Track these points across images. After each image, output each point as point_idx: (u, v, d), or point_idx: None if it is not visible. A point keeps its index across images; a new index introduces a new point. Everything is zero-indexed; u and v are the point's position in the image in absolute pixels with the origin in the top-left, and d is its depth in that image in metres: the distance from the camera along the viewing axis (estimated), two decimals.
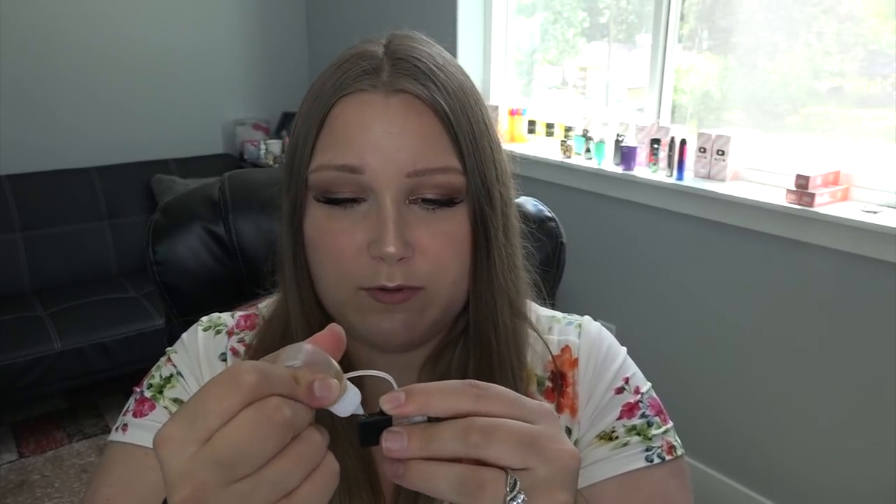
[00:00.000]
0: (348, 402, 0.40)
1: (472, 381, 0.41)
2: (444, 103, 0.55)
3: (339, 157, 0.55)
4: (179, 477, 0.34)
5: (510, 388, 0.43)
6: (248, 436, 0.34)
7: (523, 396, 0.42)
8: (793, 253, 1.82)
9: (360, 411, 0.40)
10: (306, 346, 0.40)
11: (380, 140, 0.54)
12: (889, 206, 1.71)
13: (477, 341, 0.61)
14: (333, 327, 0.42)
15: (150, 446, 0.62)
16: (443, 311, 0.59)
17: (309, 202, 0.58)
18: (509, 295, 0.62)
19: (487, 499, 0.38)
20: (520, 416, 0.40)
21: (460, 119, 0.56)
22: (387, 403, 0.39)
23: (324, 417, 0.40)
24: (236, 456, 0.34)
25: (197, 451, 0.35)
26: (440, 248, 0.56)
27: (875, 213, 1.67)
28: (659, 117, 2.23)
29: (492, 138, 0.60)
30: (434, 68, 0.56)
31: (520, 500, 0.38)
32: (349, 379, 0.40)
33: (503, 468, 0.39)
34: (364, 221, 0.56)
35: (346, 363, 0.42)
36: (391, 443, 0.39)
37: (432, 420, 0.40)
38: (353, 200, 0.56)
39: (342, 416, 0.40)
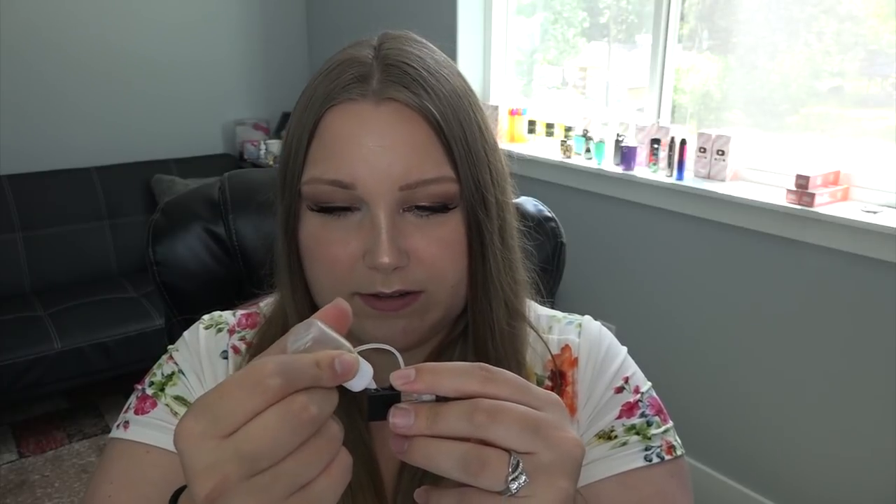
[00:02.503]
0: (362, 377, 0.40)
1: (482, 364, 0.41)
2: (434, 110, 0.54)
3: (331, 171, 0.55)
4: (203, 470, 0.35)
5: None
6: (273, 433, 0.35)
7: (531, 384, 0.42)
8: (793, 253, 1.82)
9: (374, 385, 0.41)
10: (315, 324, 0.40)
11: (370, 154, 0.54)
12: (889, 206, 1.71)
13: (474, 346, 0.61)
14: (339, 302, 0.42)
15: (152, 443, 0.63)
16: (444, 312, 0.59)
17: (303, 211, 0.58)
18: (506, 299, 0.61)
19: (489, 477, 0.38)
20: (526, 402, 0.40)
21: (452, 125, 0.55)
22: (397, 380, 0.40)
23: None
24: (262, 451, 0.35)
25: (219, 444, 0.35)
26: (436, 254, 0.56)
27: (875, 213, 1.67)
28: (659, 117, 2.23)
29: (487, 141, 0.59)
30: (425, 73, 0.56)
31: (521, 481, 0.38)
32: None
33: (507, 450, 0.39)
34: (358, 231, 0.55)
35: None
36: (398, 419, 0.39)
37: (440, 399, 0.40)
38: (347, 209, 0.56)
39: (355, 390, 0.40)
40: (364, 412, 0.42)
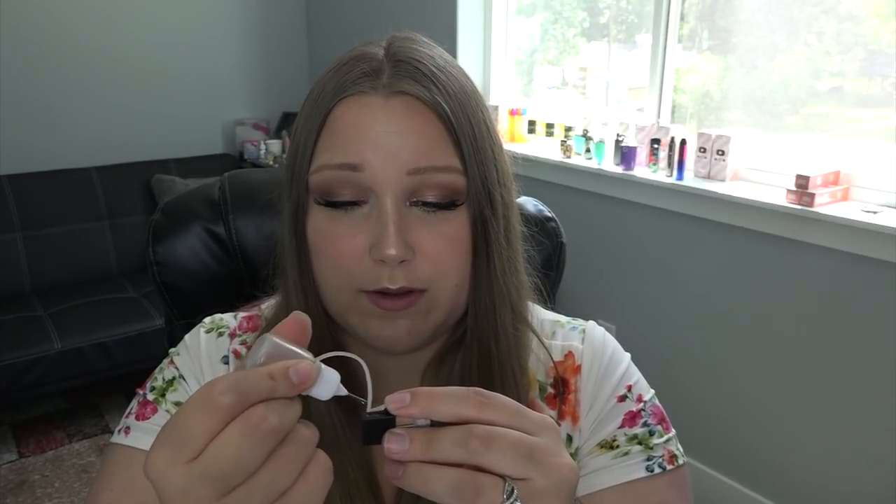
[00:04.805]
0: (327, 384, 0.40)
1: (478, 389, 0.41)
2: (444, 105, 0.55)
3: (340, 155, 0.55)
4: (175, 496, 0.35)
5: (511, 395, 0.43)
6: (237, 448, 0.35)
7: (527, 408, 0.42)
8: (793, 253, 1.82)
9: (342, 392, 0.41)
10: (268, 339, 0.39)
11: (380, 138, 0.54)
12: (889, 206, 1.71)
13: (477, 348, 0.61)
14: (297, 314, 0.42)
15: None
16: (446, 313, 0.59)
17: (310, 205, 0.58)
18: (510, 300, 0.61)
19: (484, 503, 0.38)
20: (521, 427, 0.41)
21: (461, 120, 0.56)
22: (392, 404, 0.40)
23: (325, 426, 0.40)
24: (228, 469, 0.35)
25: (187, 469, 0.35)
26: (441, 251, 0.56)
27: (875, 213, 1.67)
28: (659, 117, 2.23)
29: (493, 140, 0.59)
30: (435, 70, 0.56)
31: None
32: (324, 362, 0.40)
33: (502, 476, 0.39)
34: (365, 224, 0.55)
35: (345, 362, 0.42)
36: (393, 444, 0.39)
37: (434, 424, 0.40)
38: (354, 203, 0.56)
39: (323, 399, 0.40)
40: (360, 436, 0.42)
